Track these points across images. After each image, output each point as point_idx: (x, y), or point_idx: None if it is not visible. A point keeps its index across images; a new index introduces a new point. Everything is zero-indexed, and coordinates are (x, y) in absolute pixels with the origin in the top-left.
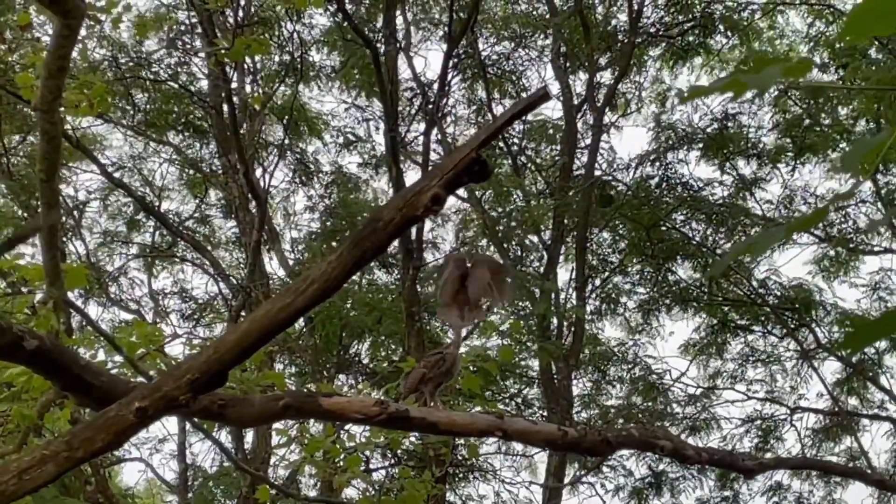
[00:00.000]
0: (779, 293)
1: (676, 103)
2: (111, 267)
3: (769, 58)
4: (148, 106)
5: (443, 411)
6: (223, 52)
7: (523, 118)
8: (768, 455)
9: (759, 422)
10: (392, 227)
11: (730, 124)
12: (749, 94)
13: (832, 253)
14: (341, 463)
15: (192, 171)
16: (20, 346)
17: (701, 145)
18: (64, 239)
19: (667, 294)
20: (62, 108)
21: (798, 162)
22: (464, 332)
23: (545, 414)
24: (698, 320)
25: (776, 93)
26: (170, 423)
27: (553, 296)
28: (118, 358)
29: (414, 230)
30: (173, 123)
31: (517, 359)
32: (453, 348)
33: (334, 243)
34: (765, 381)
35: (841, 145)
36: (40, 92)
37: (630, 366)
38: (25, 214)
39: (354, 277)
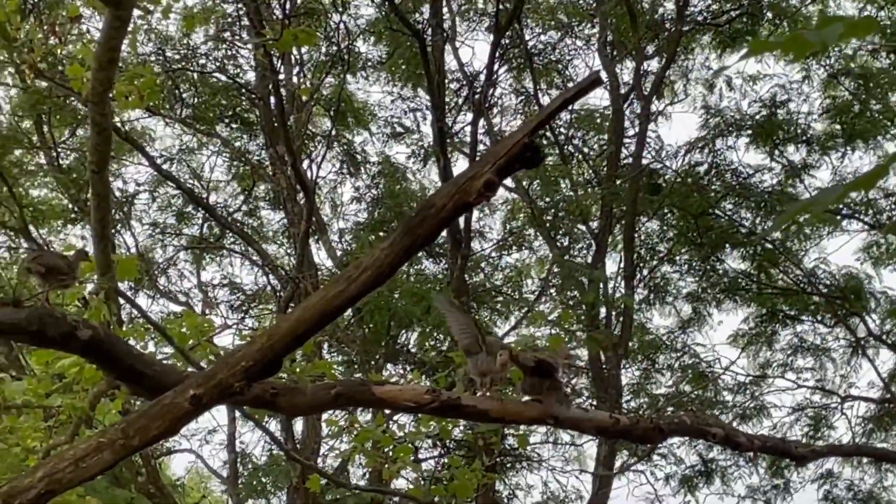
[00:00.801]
0: (828, 282)
1: (739, 59)
2: (160, 259)
3: (833, 17)
4: (195, 99)
5: (494, 399)
6: (271, 43)
7: (571, 107)
8: (819, 443)
9: (809, 410)
10: (444, 214)
11: (779, 111)
12: (798, 77)
13: (882, 240)
14: (391, 453)
15: (240, 164)
16: (74, 336)
17: (750, 132)
18: (114, 231)
19: (716, 285)
20: (112, 101)
21: (848, 148)
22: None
23: (595, 403)
24: (747, 310)
25: (825, 77)
26: (219, 414)
27: (601, 285)
28: (168, 349)
29: (462, 220)
30: (221, 116)
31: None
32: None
33: (382, 233)
34: (814, 369)
35: (892, 131)
36: (91, 84)
37: (679, 354)
38: (75, 208)
39: (403, 267)
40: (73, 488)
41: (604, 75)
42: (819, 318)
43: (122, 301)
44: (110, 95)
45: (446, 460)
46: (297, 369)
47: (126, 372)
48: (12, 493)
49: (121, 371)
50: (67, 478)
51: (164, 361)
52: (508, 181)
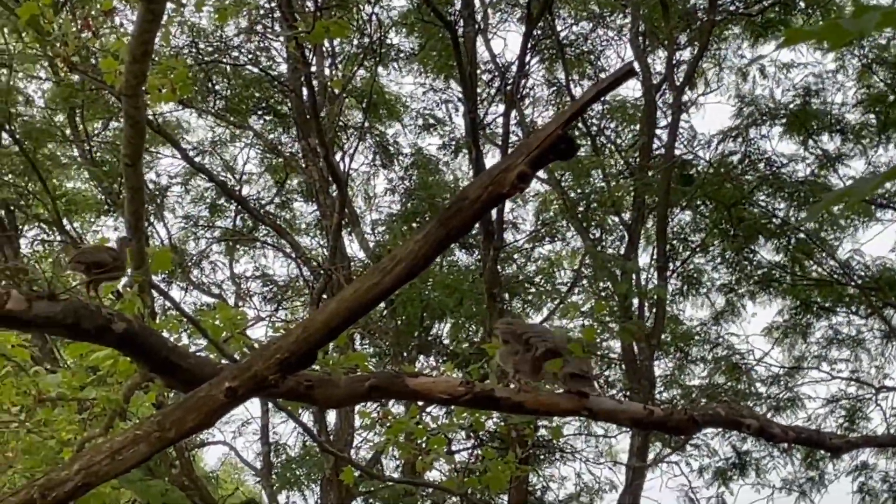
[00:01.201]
0: (862, 273)
1: (775, 48)
2: (193, 251)
3: (869, 5)
4: (228, 91)
5: (528, 391)
6: (302, 35)
7: (603, 98)
8: (853, 435)
9: (843, 402)
10: (478, 206)
11: (813, 99)
12: (832, 67)
13: None
14: (424, 444)
15: (272, 156)
16: (109, 329)
17: (783, 121)
18: (147, 223)
19: (749, 276)
20: (145, 94)
21: (882, 137)
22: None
23: (628, 394)
24: (781, 302)
25: (859, 67)
26: (253, 406)
27: (634, 276)
28: (202, 341)
29: (494, 211)
30: (254, 108)
31: (599, 340)
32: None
33: (414, 225)
34: (849, 360)
35: None
36: (125, 77)
37: (712, 346)
38: (108, 200)
39: (435, 259)
40: (109, 481)
41: (636, 66)
42: (854, 309)
43: (155, 293)
44: (143, 88)
45: (480, 452)
46: (331, 361)
47: (160, 364)
48: (49, 486)
49: (155, 363)
50: (104, 470)
51: (198, 354)
52: (541, 173)
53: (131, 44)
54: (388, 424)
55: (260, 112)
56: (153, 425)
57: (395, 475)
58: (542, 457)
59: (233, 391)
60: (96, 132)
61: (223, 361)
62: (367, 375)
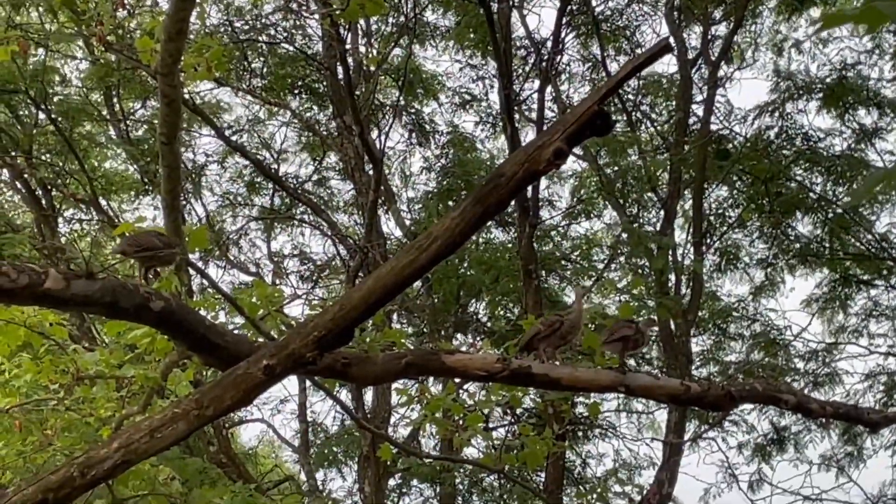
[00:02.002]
0: None
1: (812, 33)
2: (231, 229)
3: None
4: (265, 69)
5: (565, 367)
6: (337, 12)
7: (638, 74)
8: (892, 410)
9: (882, 377)
10: (514, 183)
11: (849, 74)
12: (869, 44)
13: None
14: (461, 421)
15: (309, 134)
16: (147, 308)
17: (820, 95)
18: (184, 202)
19: (787, 250)
20: (181, 72)
21: None
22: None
23: (665, 370)
24: (819, 276)
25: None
26: (290, 384)
27: (670, 252)
28: (239, 319)
29: (530, 188)
30: (291, 87)
31: (636, 316)
32: (574, 315)
33: (450, 202)
34: (888, 336)
35: None
36: (160, 55)
37: (750, 322)
38: (145, 179)
39: (472, 236)
40: (148, 458)
41: (672, 41)
42: (893, 282)
43: (192, 272)
44: (179, 67)
45: (516, 429)
46: (368, 339)
47: (198, 342)
48: (89, 464)
49: (193, 341)
50: (143, 448)
51: (235, 332)
52: (577, 149)
53: (166, 22)
54: (425, 401)
55: (296, 90)
56: (191, 403)
57: (433, 452)
58: (580, 434)
59: (271, 369)
60: (133, 111)
61: (260, 339)
62: (403, 353)
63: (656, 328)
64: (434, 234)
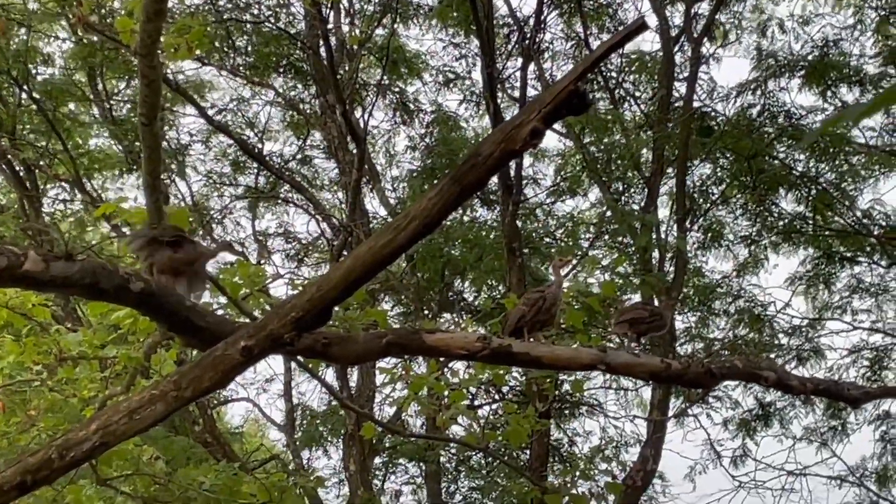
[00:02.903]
0: (883, 222)
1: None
2: (216, 209)
3: None
4: (248, 48)
5: (546, 346)
6: None
7: (620, 51)
8: (876, 385)
9: (865, 352)
10: (491, 162)
11: (831, 51)
12: (850, 21)
13: None
14: (446, 400)
15: (293, 113)
16: (127, 289)
17: (802, 73)
18: (168, 181)
19: (771, 227)
20: (161, 52)
21: None
22: (563, 271)
23: (648, 348)
24: (803, 253)
25: (877, 18)
26: (276, 363)
27: (654, 229)
28: (223, 299)
29: (513, 166)
30: (275, 66)
31: (622, 294)
32: (554, 287)
33: (435, 181)
34: (870, 311)
35: None
36: (139, 36)
37: (734, 298)
38: (129, 159)
39: (455, 215)
40: (126, 440)
41: (653, 19)
42: (875, 259)
43: None
44: (159, 47)
45: (500, 407)
46: (351, 318)
47: (179, 323)
48: (67, 446)
49: (174, 322)
50: (121, 430)
51: (220, 311)
52: (559, 127)
53: (145, 3)
54: (409, 381)
55: (280, 69)
56: (170, 385)
57: (419, 430)
58: (566, 411)
59: (248, 350)
60: (117, 91)
61: (243, 319)
62: (384, 332)
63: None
64: (412, 214)
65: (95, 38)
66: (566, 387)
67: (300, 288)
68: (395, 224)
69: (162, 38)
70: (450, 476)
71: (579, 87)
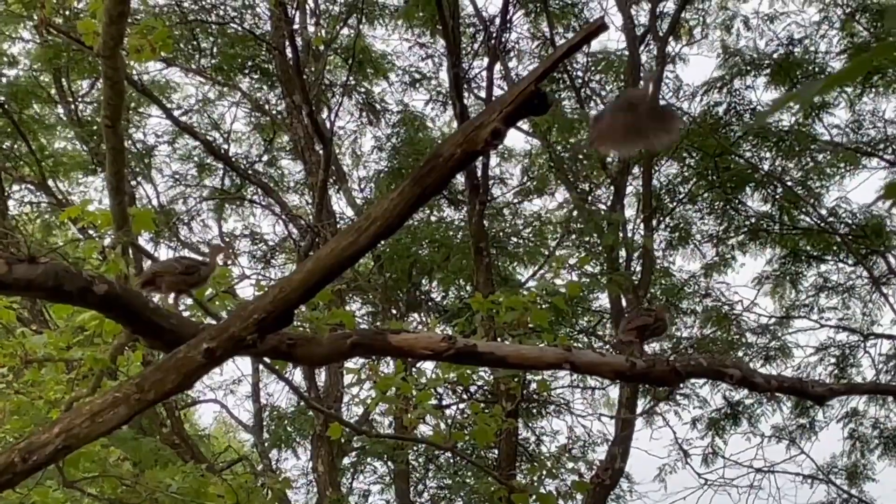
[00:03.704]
0: (849, 221)
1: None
2: (183, 210)
3: None
4: (214, 49)
5: (511, 345)
6: None
7: (587, 50)
8: (843, 382)
9: (833, 349)
10: (452, 163)
11: (796, 49)
12: (816, 18)
13: None
14: (413, 400)
15: (259, 114)
16: (90, 291)
17: (768, 71)
18: (134, 183)
19: (738, 227)
20: (125, 53)
21: (867, 85)
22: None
23: (611, 347)
24: (770, 252)
25: (843, 16)
26: (244, 364)
27: (621, 228)
28: (189, 300)
29: (480, 165)
30: (240, 67)
31: (589, 293)
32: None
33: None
34: (837, 308)
35: None
36: (102, 38)
37: (701, 297)
38: (95, 160)
39: (422, 214)
40: (89, 443)
41: (619, 18)
42: (841, 256)
43: (140, 253)
44: (122, 49)
45: (467, 407)
46: (316, 318)
47: (143, 325)
48: (30, 450)
49: (137, 325)
50: (84, 433)
51: (186, 313)
52: (526, 126)
53: (107, 5)
54: (375, 381)
55: (247, 70)
56: (132, 387)
57: (389, 430)
58: (534, 410)
59: (210, 352)
60: (82, 92)
61: (208, 320)
62: (349, 333)
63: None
64: (373, 216)
65: (60, 39)
66: (534, 386)
67: (265, 289)
68: (357, 226)
69: (126, 40)
70: (418, 475)
71: (540, 87)
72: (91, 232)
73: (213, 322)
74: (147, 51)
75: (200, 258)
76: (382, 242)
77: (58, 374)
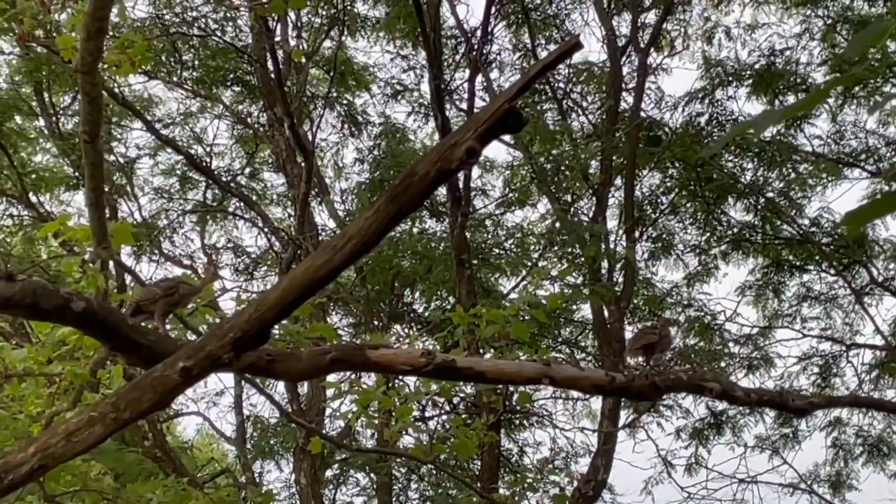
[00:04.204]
0: (831, 231)
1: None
2: (165, 224)
3: None
4: (196, 62)
5: (490, 360)
6: (263, 5)
7: (569, 62)
8: (827, 392)
9: (816, 359)
10: (427, 182)
11: (777, 60)
12: (797, 29)
13: (885, 187)
14: (394, 413)
15: (241, 127)
16: (69, 309)
17: (749, 82)
18: (115, 197)
19: (721, 237)
20: (104, 68)
21: (848, 96)
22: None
23: (598, 359)
24: (753, 262)
25: (823, 27)
26: (227, 377)
27: (603, 239)
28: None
29: (462, 177)
30: (223, 79)
31: (571, 304)
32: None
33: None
34: (820, 318)
35: (891, 80)
36: (80, 54)
37: (683, 307)
38: (77, 174)
39: (405, 226)
40: (65, 462)
41: (600, 30)
42: (824, 266)
43: (121, 268)
44: (101, 64)
45: (447, 420)
46: (298, 331)
47: (121, 342)
48: (6, 469)
49: (115, 341)
50: (59, 452)
51: (166, 325)
52: (508, 139)
53: (86, 20)
54: (356, 395)
55: (228, 83)
56: (108, 406)
57: (371, 443)
58: (516, 422)
59: (187, 371)
60: (64, 105)
61: (189, 335)
62: (328, 348)
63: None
64: (349, 234)
65: (41, 50)
66: (516, 397)
67: (245, 303)
68: (333, 244)
69: (105, 53)
70: (401, 487)
71: (514, 105)
72: (73, 247)
73: (194, 337)
74: (126, 65)
75: (177, 277)
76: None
77: (38, 388)
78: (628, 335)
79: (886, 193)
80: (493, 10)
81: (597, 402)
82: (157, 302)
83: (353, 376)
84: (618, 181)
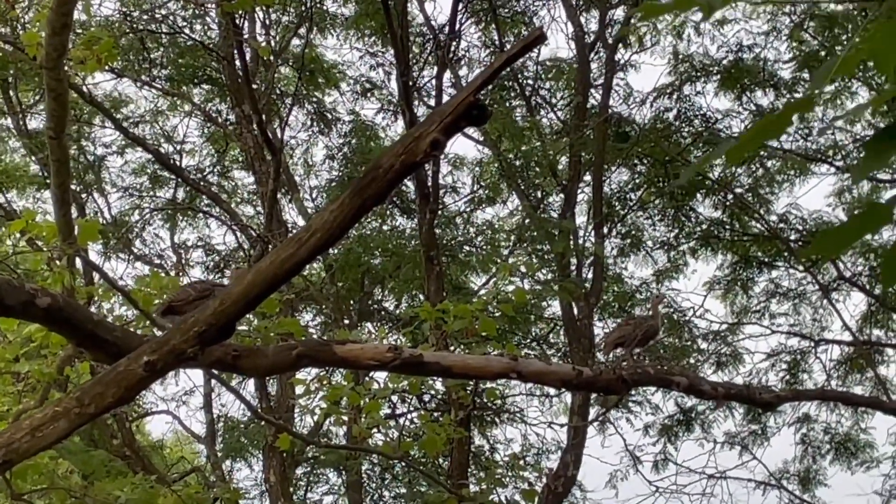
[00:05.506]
0: (799, 227)
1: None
2: (136, 222)
3: None
4: (164, 59)
5: (457, 355)
6: (230, 2)
7: (535, 58)
8: (795, 387)
9: (784, 355)
10: (392, 174)
11: (745, 55)
12: (765, 27)
13: (854, 188)
14: (363, 409)
15: (211, 125)
16: (34, 305)
17: (718, 77)
18: (84, 195)
19: (689, 233)
20: (70, 65)
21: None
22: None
23: (567, 352)
24: (721, 258)
25: (791, 24)
26: (196, 375)
27: (571, 235)
28: (135, 311)
29: (430, 174)
30: (192, 77)
31: (541, 301)
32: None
33: None
34: (788, 314)
35: (858, 74)
36: (45, 50)
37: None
38: (45, 172)
39: (374, 223)
40: (30, 457)
41: (568, 26)
42: (792, 263)
43: (88, 264)
44: (66, 60)
45: (416, 417)
46: (265, 327)
47: (86, 338)
48: None
49: (81, 337)
50: (24, 447)
51: (134, 323)
52: (477, 135)
53: (50, 16)
54: (326, 391)
55: (197, 81)
56: (72, 401)
57: (342, 440)
58: (487, 419)
59: (151, 365)
60: (31, 103)
61: (156, 331)
62: (294, 344)
63: (663, 303)
64: (313, 228)
65: (7, 47)
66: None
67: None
68: (297, 237)
69: (71, 50)
70: (373, 485)
71: (479, 98)
72: (39, 243)
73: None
74: (92, 61)
75: (211, 280)
76: (333, 251)
77: (5, 386)
78: (598, 332)
79: (853, 217)
80: (460, 6)
81: (568, 397)
82: (191, 303)
83: (321, 373)
84: (586, 177)
